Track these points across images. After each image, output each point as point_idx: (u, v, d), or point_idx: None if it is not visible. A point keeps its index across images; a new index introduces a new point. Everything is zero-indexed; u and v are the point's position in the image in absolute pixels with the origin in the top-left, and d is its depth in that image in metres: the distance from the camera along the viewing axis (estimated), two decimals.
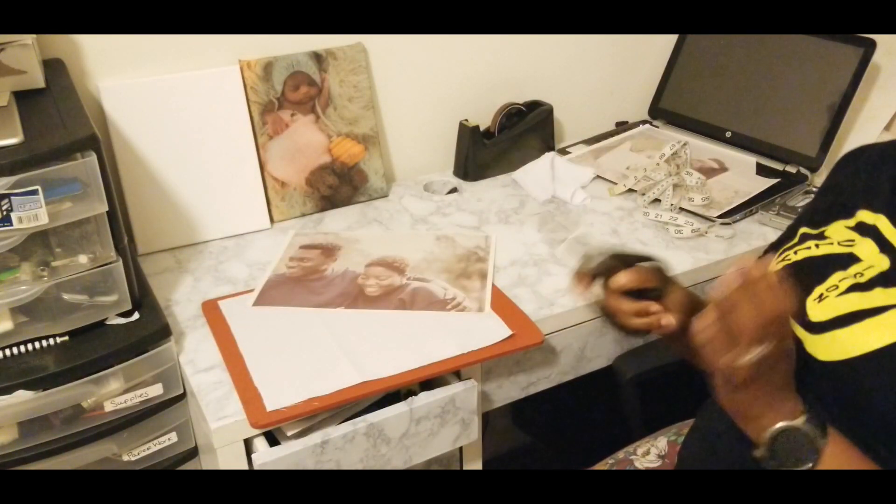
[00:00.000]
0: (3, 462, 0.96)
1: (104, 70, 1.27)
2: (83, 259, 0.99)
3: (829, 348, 0.80)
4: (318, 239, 1.34)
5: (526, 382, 1.18)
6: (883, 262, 0.83)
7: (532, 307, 1.15)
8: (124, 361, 1.00)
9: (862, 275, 0.83)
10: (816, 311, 0.84)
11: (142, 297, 1.07)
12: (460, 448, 1.16)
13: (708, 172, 1.51)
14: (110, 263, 1.00)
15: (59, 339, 1.00)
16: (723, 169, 1.54)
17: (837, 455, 0.73)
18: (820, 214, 0.95)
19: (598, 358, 1.23)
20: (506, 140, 1.57)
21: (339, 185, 1.45)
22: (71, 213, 0.95)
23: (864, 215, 0.89)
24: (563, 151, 1.65)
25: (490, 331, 1.08)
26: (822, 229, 0.92)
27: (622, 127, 1.75)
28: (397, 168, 1.58)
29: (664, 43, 1.76)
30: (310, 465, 0.97)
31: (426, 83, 1.54)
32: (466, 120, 1.55)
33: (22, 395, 0.94)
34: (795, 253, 0.91)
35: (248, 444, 0.98)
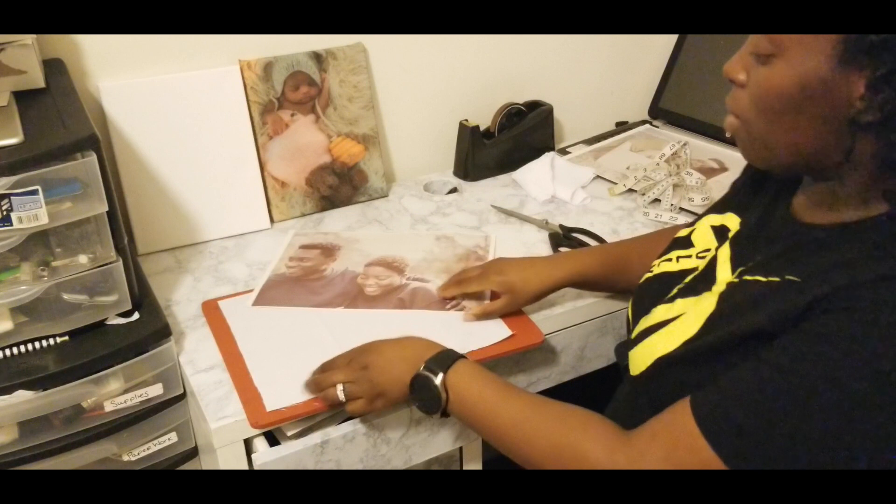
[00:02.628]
0: (3, 462, 0.96)
1: (104, 70, 1.27)
2: (83, 259, 0.99)
3: (635, 362, 0.86)
4: (318, 239, 1.34)
5: (526, 382, 1.18)
6: (702, 265, 0.87)
7: (532, 307, 1.15)
8: (124, 361, 1.00)
9: (686, 283, 0.87)
10: (637, 327, 0.89)
11: (142, 297, 1.06)
12: (460, 448, 1.16)
13: (708, 172, 1.51)
14: (110, 263, 1.00)
15: (59, 339, 1.00)
16: (723, 169, 1.54)
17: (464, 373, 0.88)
18: (718, 203, 0.97)
19: (598, 358, 1.23)
20: (506, 140, 1.57)
21: (339, 185, 1.45)
22: (71, 213, 0.95)
23: (730, 219, 0.91)
24: (563, 151, 1.65)
25: (490, 331, 1.08)
26: (692, 229, 0.95)
27: (622, 127, 1.75)
28: (397, 168, 1.58)
29: (664, 43, 1.76)
30: (310, 465, 0.97)
31: (426, 83, 1.54)
32: (466, 120, 1.55)
33: (22, 395, 0.94)
34: (658, 266, 0.95)
35: (248, 444, 0.97)
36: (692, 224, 0.96)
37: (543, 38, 1.62)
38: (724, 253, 0.86)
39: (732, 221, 0.90)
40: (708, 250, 0.90)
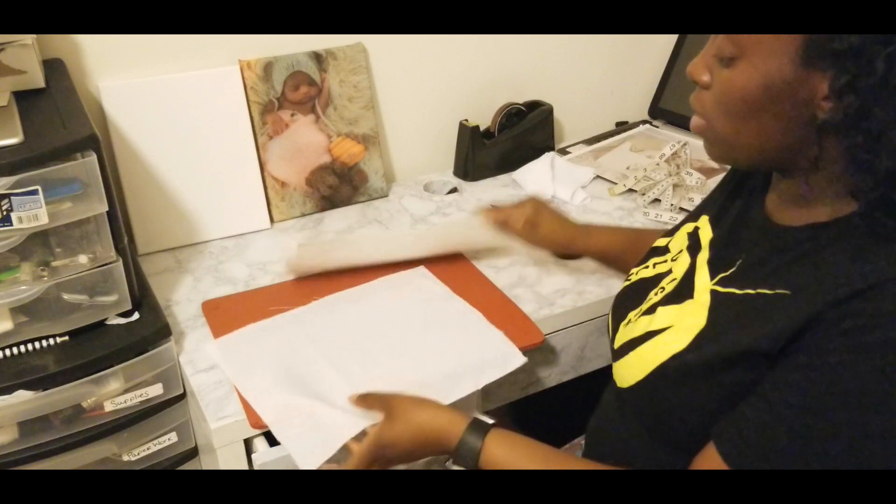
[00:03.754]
0: (3, 462, 0.96)
1: (104, 70, 1.27)
2: (83, 259, 0.99)
3: (622, 374, 0.85)
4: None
5: (526, 382, 1.18)
6: (680, 273, 0.86)
7: (532, 307, 1.15)
8: (124, 361, 1.00)
9: (664, 289, 0.87)
10: (618, 336, 0.88)
11: (142, 297, 1.07)
12: None
13: (708, 172, 1.51)
14: (110, 263, 1.00)
15: (59, 339, 1.00)
16: (723, 169, 1.54)
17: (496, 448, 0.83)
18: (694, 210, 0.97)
19: (598, 358, 1.23)
20: (506, 140, 1.57)
21: (339, 185, 1.45)
22: (71, 213, 0.95)
23: (703, 222, 0.90)
24: (563, 151, 1.65)
25: (504, 359, 1.05)
26: (671, 238, 0.94)
27: (622, 127, 1.75)
28: (397, 168, 1.58)
29: (664, 43, 1.76)
30: None
31: (426, 83, 1.54)
32: (466, 120, 1.55)
33: (22, 395, 0.94)
34: (636, 273, 0.95)
35: (248, 444, 0.98)
36: (671, 234, 0.95)
37: (543, 38, 1.62)
38: (703, 258, 0.85)
39: (705, 224, 0.90)
40: (681, 252, 0.89)
